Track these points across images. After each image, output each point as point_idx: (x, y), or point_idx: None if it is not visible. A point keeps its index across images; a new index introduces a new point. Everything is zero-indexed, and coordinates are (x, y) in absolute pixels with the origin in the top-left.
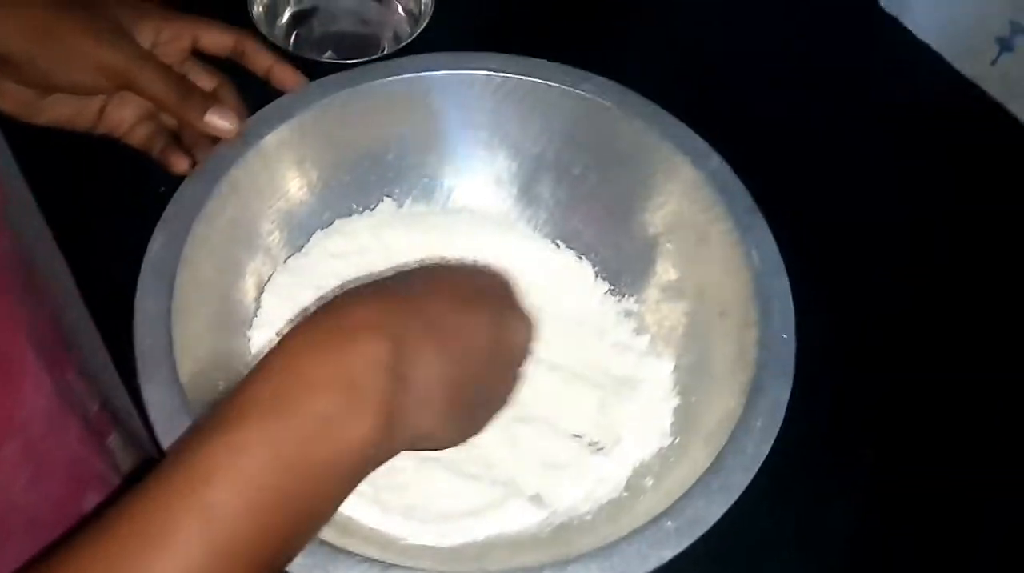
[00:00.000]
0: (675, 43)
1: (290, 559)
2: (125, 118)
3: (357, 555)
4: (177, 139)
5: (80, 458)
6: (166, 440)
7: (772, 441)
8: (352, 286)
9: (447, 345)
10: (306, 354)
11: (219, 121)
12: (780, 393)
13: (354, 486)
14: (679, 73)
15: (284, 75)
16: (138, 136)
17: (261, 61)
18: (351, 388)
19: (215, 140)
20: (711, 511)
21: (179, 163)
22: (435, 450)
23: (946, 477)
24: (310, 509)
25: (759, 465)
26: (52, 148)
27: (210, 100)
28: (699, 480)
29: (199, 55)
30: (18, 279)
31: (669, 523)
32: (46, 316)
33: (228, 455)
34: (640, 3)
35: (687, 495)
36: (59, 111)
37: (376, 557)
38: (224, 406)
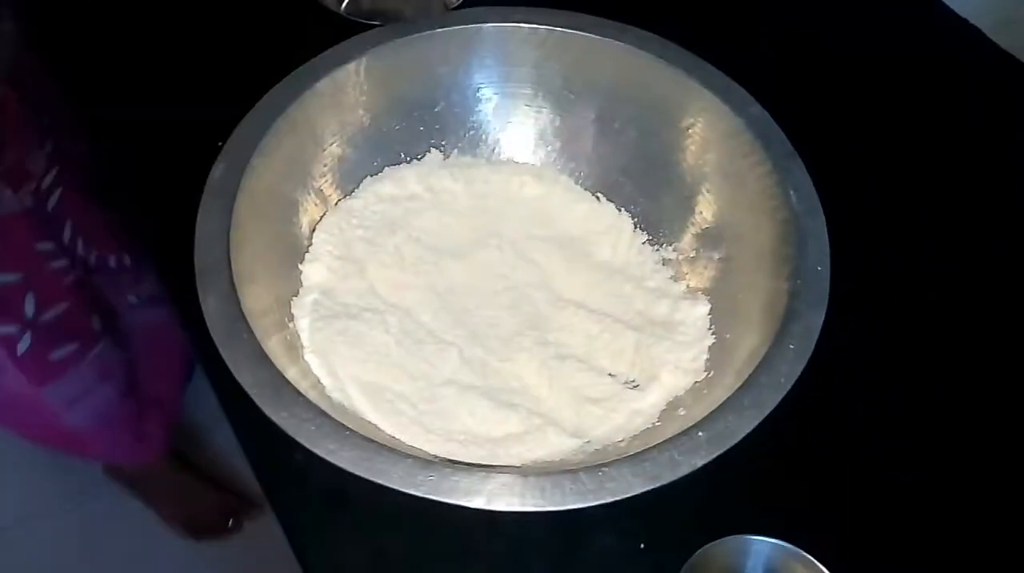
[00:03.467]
0: (716, 1)
1: None
2: None
3: (401, 452)
4: None
5: None
6: (224, 347)
7: (804, 363)
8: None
9: None
10: None
11: None
12: (814, 319)
13: None
14: (719, 27)
15: None
16: None
17: None
18: None
19: None
20: (741, 425)
21: None
22: None
23: (976, 414)
24: None
25: (790, 385)
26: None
27: None
28: (731, 397)
29: None
30: None
31: (700, 434)
32: None
33: None
34: None
35: (720, 409)
36: None
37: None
38: None
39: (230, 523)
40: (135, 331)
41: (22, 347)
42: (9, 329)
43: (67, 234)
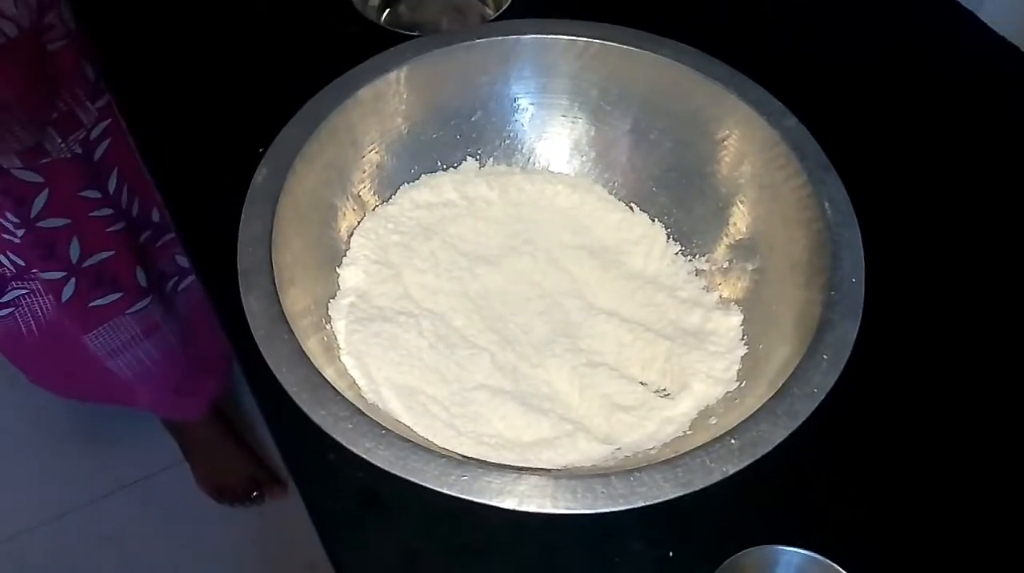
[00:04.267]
0: (753, 15)
1: None
2: None
3: (435, 452)
4: None
5: None
6: (264, 346)
7: (838, 374)
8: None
9: None
10: None
11: None
12: (848, 331)
13: None
14: (756, 40)
15: None
16: None
17: None
18: None
19: None
20: (774, 434)
21: None
22: None
23: (1015, 429)
24: None
25: (824, 395)
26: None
27: None
28: (764, 405)
29: None
30: None
31: (733, 441)
32: None
33: None
34: None
35: (752, 418)
36: None
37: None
38: None
39: (253, 494)
40: (187, 294)
41: (67, 293)
42: (56, 274)
43: (113, 183)
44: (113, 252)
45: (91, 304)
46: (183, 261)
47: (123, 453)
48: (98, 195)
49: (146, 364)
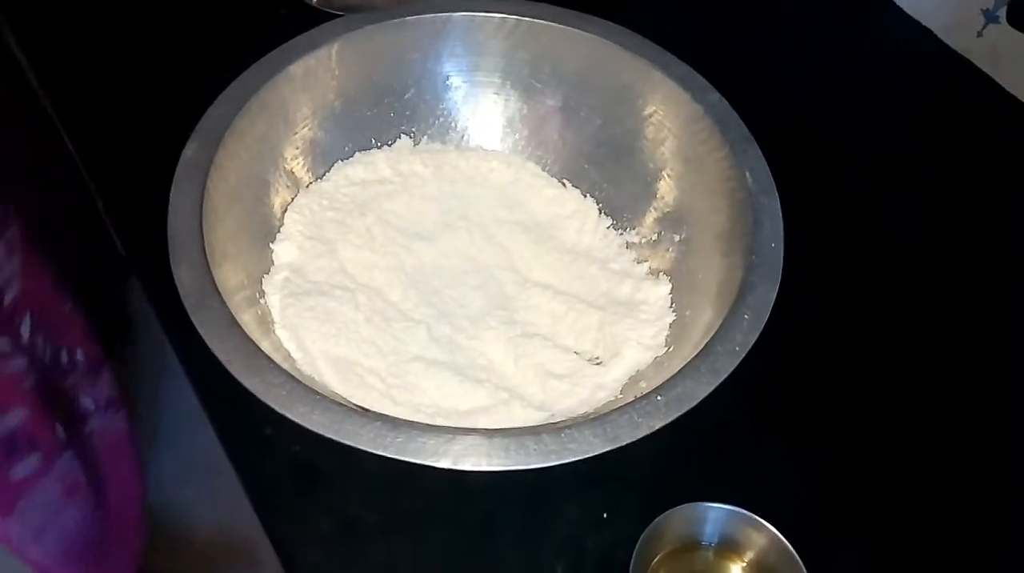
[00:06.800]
0: None
1: None
2: None
3: (370, 412)
4: None
5: None
6: (196, 316)
7: (758, 333)
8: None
9: None
10: None
11: None
12: (767, 292)
13: None
14: (682, 18)
15: None
16: None
17: None
18: None
19: None
20: (698, 390)
21: None
22: None
23: (923, 381)
24: None
25: (745, 352)
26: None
27: None
28: (688, 363)
29: None
30: None
31: (659, 398)
32: None
33: None
34: None
35: (678, 375)
36: None
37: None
38: None
39: None
40: (94, 440)
41: None
42: None
43: (26, 330)
44: (28, 411)
45: (10, 477)
46: (88, 402)
47: None
48: (8, 346)
49: (72, 533)
